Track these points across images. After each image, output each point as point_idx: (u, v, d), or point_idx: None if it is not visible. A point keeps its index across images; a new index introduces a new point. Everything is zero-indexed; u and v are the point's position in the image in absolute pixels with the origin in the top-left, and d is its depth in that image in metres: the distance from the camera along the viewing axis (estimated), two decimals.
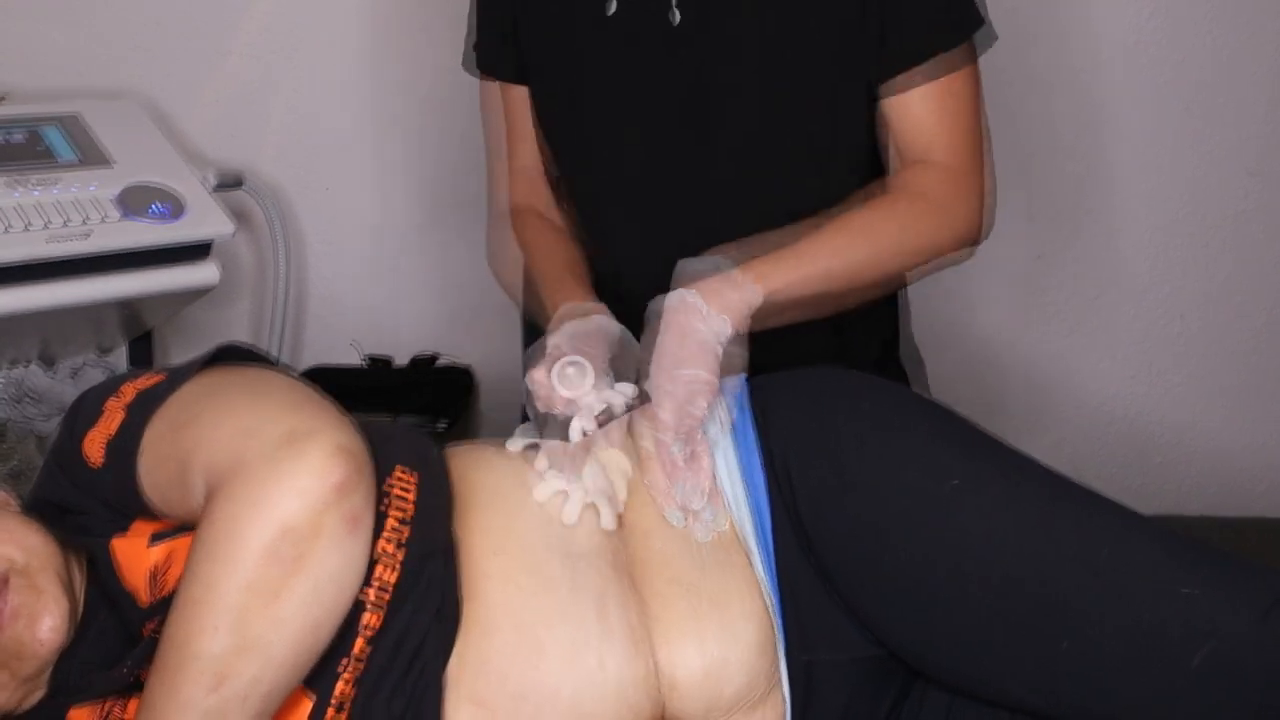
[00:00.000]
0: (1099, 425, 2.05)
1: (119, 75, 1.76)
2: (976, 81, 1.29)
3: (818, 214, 1.26)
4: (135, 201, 1.44)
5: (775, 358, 1.15)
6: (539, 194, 1.44)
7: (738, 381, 1.13)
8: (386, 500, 0.99)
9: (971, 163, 1.28)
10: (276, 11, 1.81)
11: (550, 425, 1.13)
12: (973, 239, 1.28)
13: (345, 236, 1.91)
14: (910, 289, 1.48)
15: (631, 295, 1.29)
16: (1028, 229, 1.95)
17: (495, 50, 1.41)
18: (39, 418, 1.60)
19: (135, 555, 1.01)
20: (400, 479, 1.01)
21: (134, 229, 1.43)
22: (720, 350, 1.11)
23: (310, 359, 1.92)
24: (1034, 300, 2.00)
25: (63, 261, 1.38)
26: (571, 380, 1.11)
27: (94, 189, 1.44)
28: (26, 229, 1.36)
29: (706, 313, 1.12)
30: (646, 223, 1.35)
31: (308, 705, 0.95)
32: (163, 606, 0.96)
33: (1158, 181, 1.96)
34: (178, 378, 1.02)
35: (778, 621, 1.04)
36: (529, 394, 1.14)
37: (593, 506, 1.07)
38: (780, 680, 1.04)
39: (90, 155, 1.48)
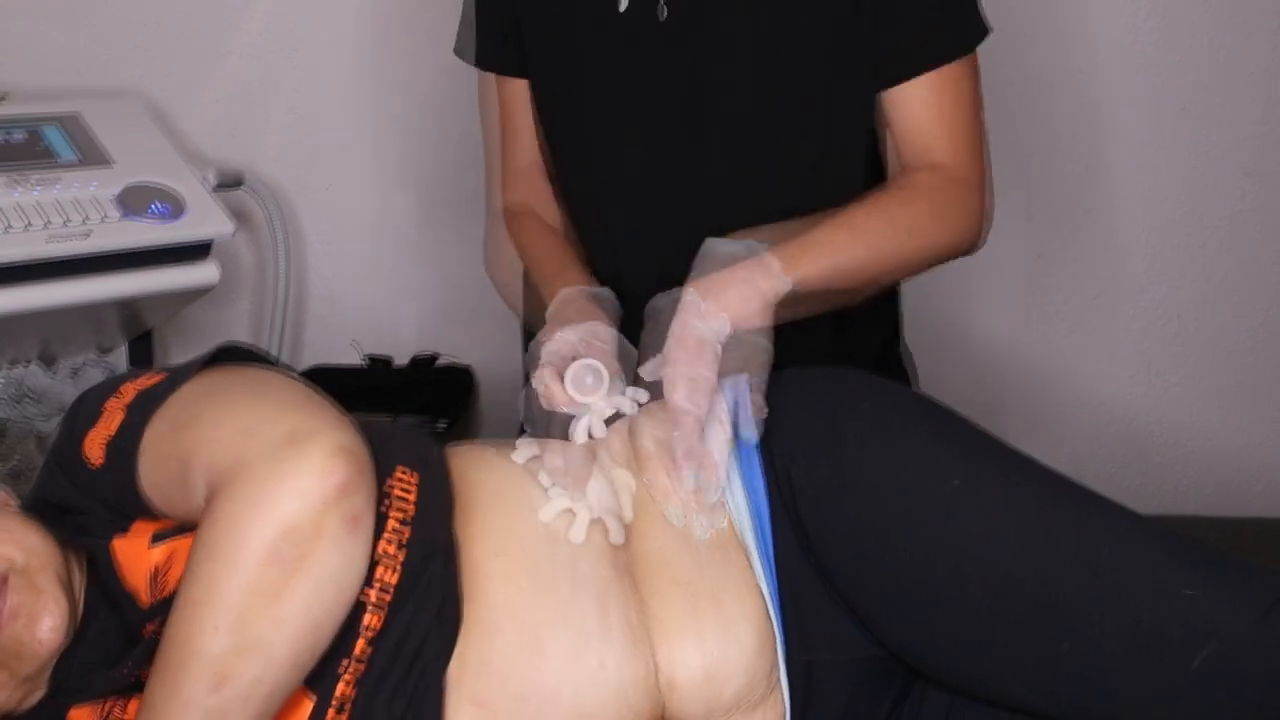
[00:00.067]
0: (1097, 425, 2.05)
1: (119, 75, 1.76)
2: (977, 79, 1.29)
3: (817, 211, 1.26)
4: (135, 201, 1.44)
5: (776, 356, 1.14)
6: (536, 191, 1.43)
7: (739, 380, 1.13)
8: (387, 501, 0.99)
9: (973, 164, 1.28)
10: (277, 11, 1.81)
11: (553, 424, 1.13)
12: (974, 240, 1.29)
13: (345, 236, 1.91)
14: (910, 289, 1.48)
15: (631, 294, 1.30)
16: (1027, 229, 1.96)
17: (495, 45, 1.40)
18: (39, 417, 1.60)
19: (136, 555, 1.01)
20: (401, 479, 1.01)
21: (134, 229, 1.43)
22: (719, 348, 1.11)
23: (310, 359, 1.92)
24: (1033, 300, 2.01)
25: (63, 261, 1.38)
26: (588, 386, 1.11)
27: (94, 188, 1.44)
28: (26, 229, 1.36)
29: (705, 310, 1.12)
30: (645, 222, 1.35)
31: (308, 706, 0.95)
32: (164, 607, 0.96)
33: (1155, 182, 1.96)
34: (178, 377, 1.02)
35: (777, 621, 1.04)
36: (531, 392, 1.14)
37: (600, 523, 1.07)
38: (780, 680, 1.04)
39: (90, 155, 1.48)
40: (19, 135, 1.47)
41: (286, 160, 1.85)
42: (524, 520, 1.05)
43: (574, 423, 1.12)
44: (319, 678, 0.95)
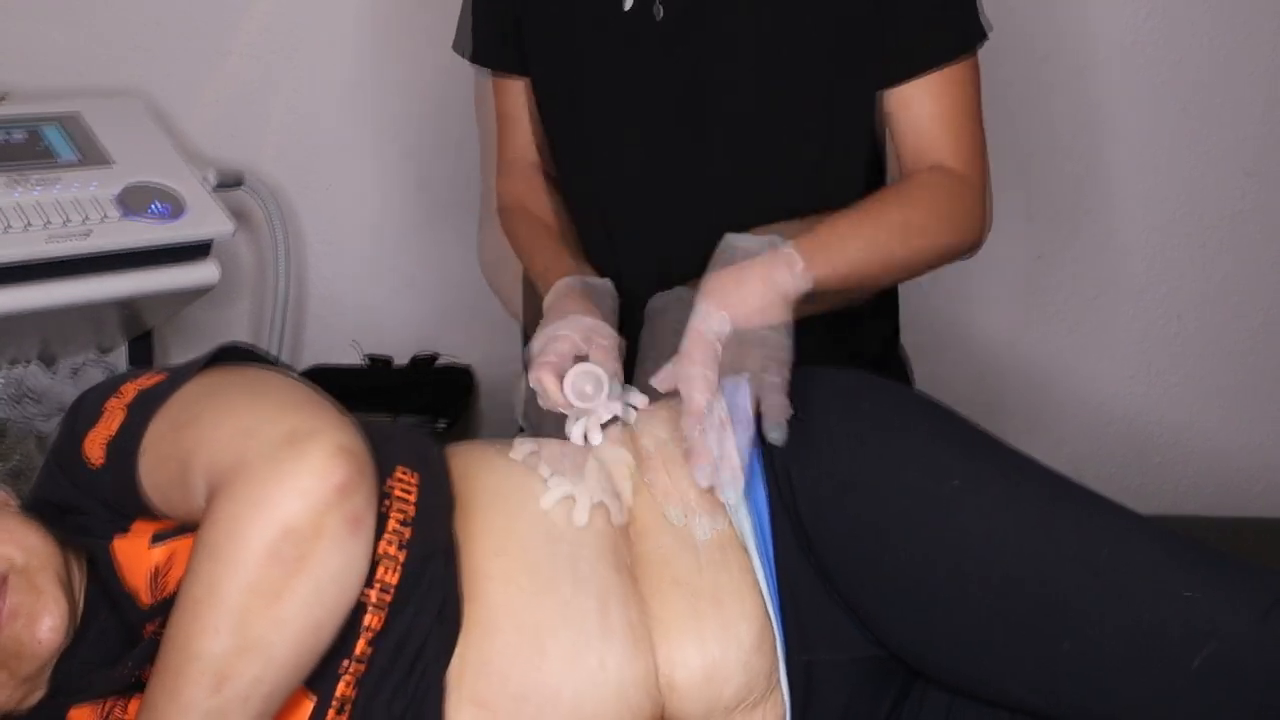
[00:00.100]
0: (1097, 425, 2.05)
1: (119, 75, 1.76)
2: (978, 81, 1.29)
3: (818, 211, 1.26)
4: (135, 201, 1.44)
5: None
6: (531, 187, 1.42)
7: (739, 380, 1.13)
8: (388, 501, 0.99)
9: (975, 165, 1.28)
10: (277, 11, 1.81)
11: (548, 421, 1.13)
12: (977, 241, 1.29)
13: (345, 236, 1.91)
14: (909, 289, 1.48)
15: (631, 294, 1.30)
16: (1027, 229, 1.96)
17: (493, 42, 1.40)
18: (39, 417, 1.60)
19: (136, 555, 1.01)
20: (401, 479, 1.01)
21: (134, 228, 1.43)
22: (719, 347, 1.11)
23: (310, 359, 1.92)
24: (1033, 300, 2.01)
25: (63, 261, 1.38)
26: (588, 395, 1.10)
27: (94, 188, 1.44)
28: (26, 228, 1.36)
29: (706, 310, 1.12)
30: (646, 221, 1.34)
31: (309, 706, 0.95)
32: (164, 607, 0.96)
33: (1155, 182, 1.97)
34: (179, 377, 1.02)
35: (777, 622, 1.04)
36: (529, 389, 1.14)
37: (602, 506, 1.07)
38: (780, 680, 1.04)
39: (90, 154, 1.48)
40: (19, 135, 1.47)
41: (286, 160, 1.85)
42: (524, 520, 1.05)
43: (570, 423, 1.12)
44: (319, 678, 0.95)
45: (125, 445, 0.99)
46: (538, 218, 1.40)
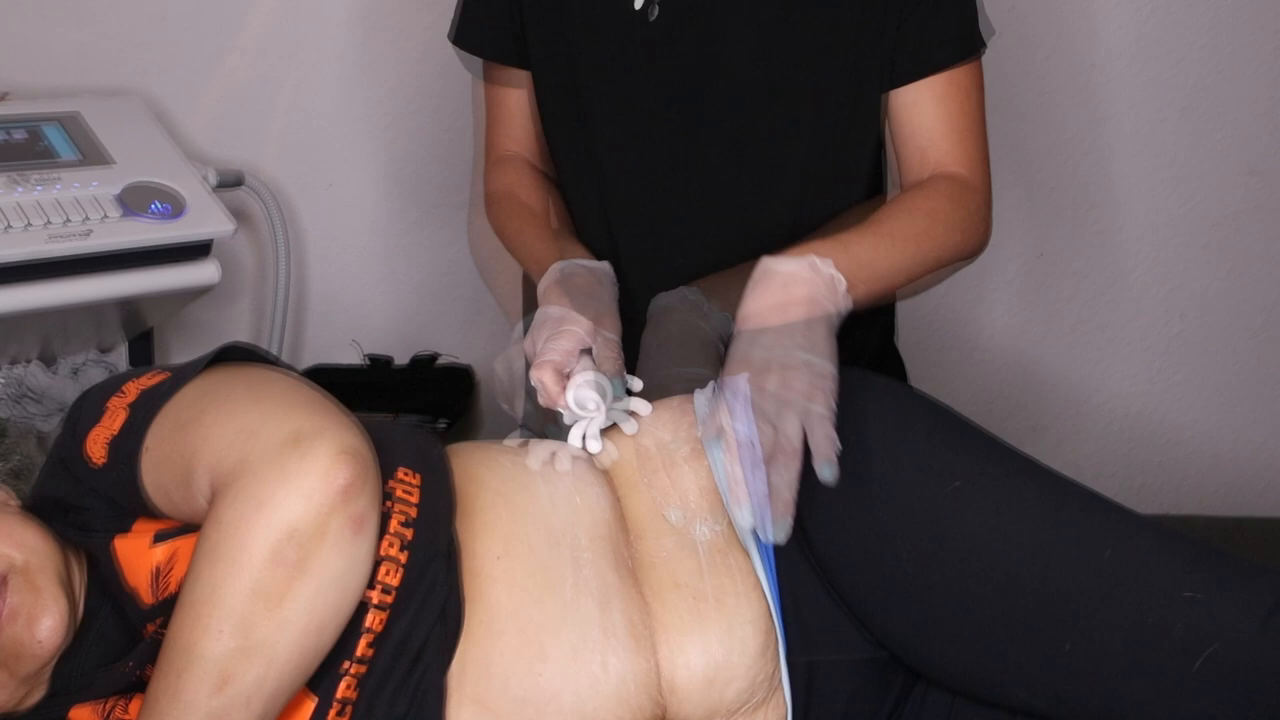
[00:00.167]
0: (1098, 425, 2.05)
1: (119, 73, 1.76)
2: (981, 85, 1.29)
3: (817, 211, 1.26)
4: (136, 200, 1.44)
5: None
6: (521, 178, 1.42)
7: (740, 380, 1.12)
8: (390, 502, 0.99)
9: (980, 170, 1.28)
10: (278, 10, 1.81)
11: (551, 423, 1.13)
12: (983, 246, 1.29)
13: (346, 236, 1.91)
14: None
15: (632, 293, 1.30)
16: (1028, 228, 1.96)
17: (490, 32, 1.39)
18: (39, 416, 1.60)
19: (138, 555, 1.01)
20: (404, 480, 1.01)
21: (134, 227, 1.42)
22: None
23: (310, 358, 1.92)
24: (1034, 299, 2.00)
25: (63, 260, 1.38)
26: (589, 410, 1.10)
27: (94, 187, 1.43)
28: (27, 228, 1.36)
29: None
30: (647, 222, 1.34)
31: (310, 706, 0.95)
32: (165, 607, 0.96)
33: (1157, 181, 1.96)
34: (182, 376, 1.02)
35: (778, 623, 1.03)
36: (529, 388, 1.14)
37: (592, 490, 1.06)
38: (782, 682, 1.04)
39: (91, 154, 1.48)
40: (19, 134, 1.47)
41: (287, 159, 1.85)
42: (526, 521, 1.05)
43: (571, 426, 1.12)
44: (320, 679, 0.95)
45: (127, 444, 0.99)
46: (525, 204, 1.39)
